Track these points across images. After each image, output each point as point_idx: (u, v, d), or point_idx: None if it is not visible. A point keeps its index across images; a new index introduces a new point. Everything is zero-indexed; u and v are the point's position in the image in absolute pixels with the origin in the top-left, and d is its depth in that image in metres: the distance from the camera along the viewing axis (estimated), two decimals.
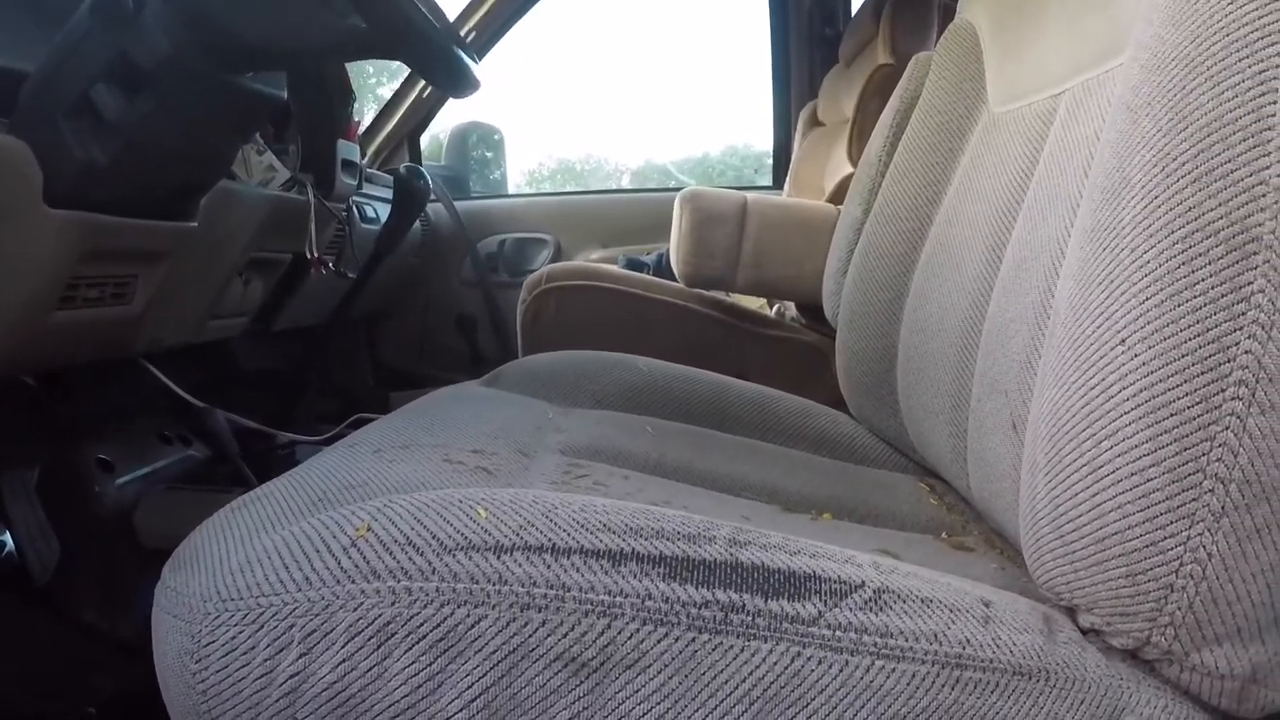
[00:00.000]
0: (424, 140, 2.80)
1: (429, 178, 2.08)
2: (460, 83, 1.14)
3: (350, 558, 0.53)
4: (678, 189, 1.98)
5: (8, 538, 1.49)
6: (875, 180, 1.32)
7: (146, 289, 1.26)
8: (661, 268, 2.30)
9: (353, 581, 0.52)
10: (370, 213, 2.06)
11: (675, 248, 1.87)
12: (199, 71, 1.04)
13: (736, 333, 1.86)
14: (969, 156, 1.11)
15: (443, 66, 1.09)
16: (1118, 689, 0.55)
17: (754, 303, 2.12)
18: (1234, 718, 0.59)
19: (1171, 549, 0.53)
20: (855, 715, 0.50)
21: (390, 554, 0.53)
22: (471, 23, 2.52)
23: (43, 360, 1.26)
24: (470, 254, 2.64)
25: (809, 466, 1.08)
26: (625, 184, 6.18)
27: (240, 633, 0.54)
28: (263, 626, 0.53)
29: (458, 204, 2.66)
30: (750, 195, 1.86)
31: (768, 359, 1.82)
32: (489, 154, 3.07)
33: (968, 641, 0.53)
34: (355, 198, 1.92)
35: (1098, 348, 0.57)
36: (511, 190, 3.31)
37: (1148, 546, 0.54)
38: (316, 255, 1.47)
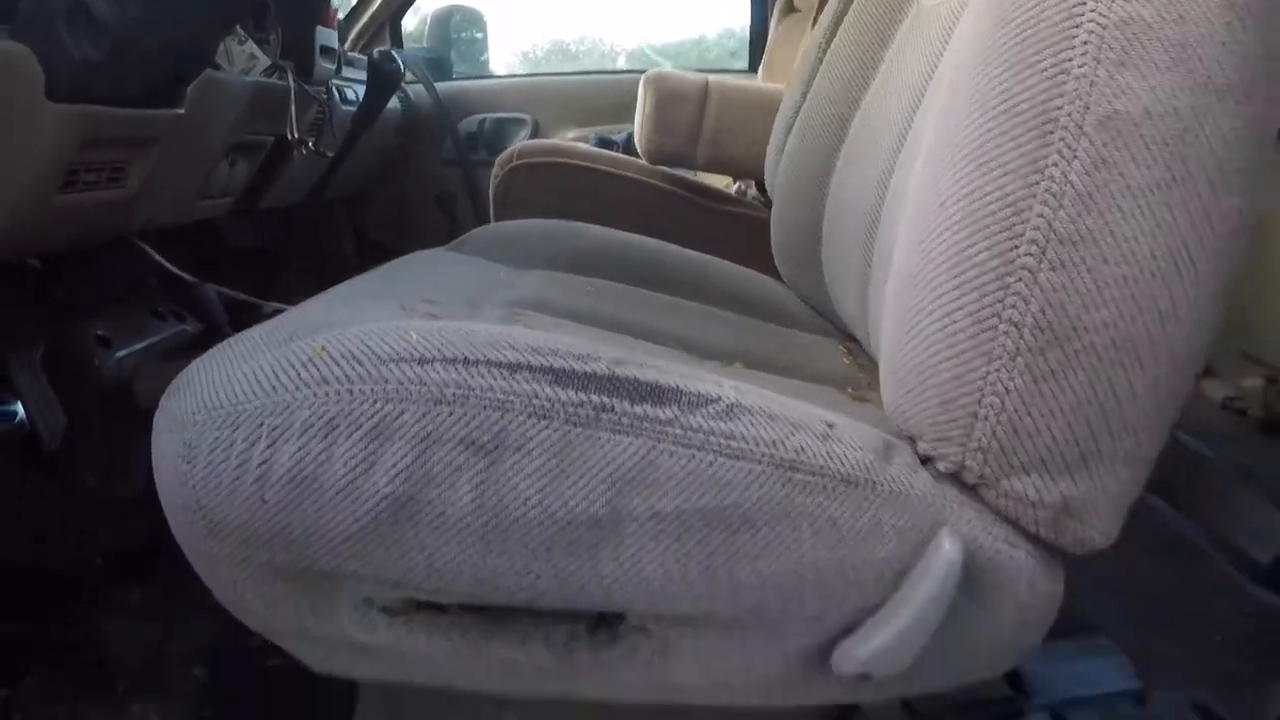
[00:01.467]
0: (413, 22, 2.90)
1: (400, 61, 2.20)
2: None
3: (307, 370, 0.69)
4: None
5: (18, 407, 1.65)
6: (814, 66, 1.44)
7: (139, 172, 1.41)
8: (630, 146, 2.41)
9: (308, 387, 0.68)
10: (350, 95, 2.17)
11: (639, 126, 2.00)
12: None
13: (696, 208, 2.00)
14: (895, 47, 1.22)
15: None
16: (941, 506, 0.69)
17: (720, 181, 2.26)
18: (1058, 549, 0.73)
19: (974, 381, 0.67)
20: (698, 499, 0.65)
21: (338, 365, 0.69)
22: None
23: (47, 242, 1.40)
24: (450, 134, 2.76)
25: (734, 325, 1.23)
26: (620, 65, 6.19)
27: (220, 433, 0.69)
28: (238, 427, 0.68)
29: (439, 85, 2.77)
30: (712, 77, 1.99)
31: (726, 234, 1.95)
32: (474, 35, 3.16)
33: (802, 449, 0.67)
34: (334, 81, 2.04)
35: (927, 212, 0.71)
36: (504, 71, 3.40)
37: (955, 379, 0.68)
38: (297, 136, 1.59)
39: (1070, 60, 0.63)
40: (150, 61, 1.26)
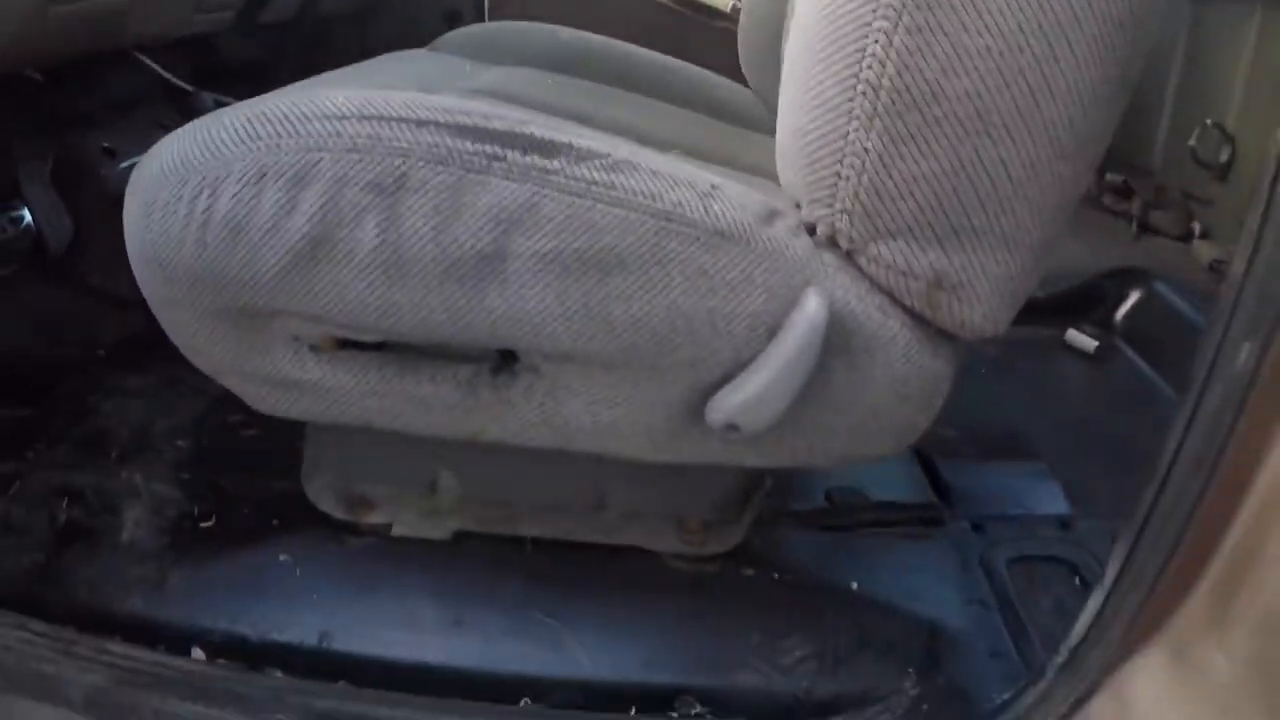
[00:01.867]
0: None
1: None
2: None
3: (244, 129, 0.77)
4: None
5: (25, 213, 1.75)
6: None
7: None
8: None
9: (243, 143, 0.76)
10: None
11: None
12: None
13: (689, 22, 2.03)
14: None
15: None
16: (814, 267, 0.76)
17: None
18: (932, 325, 0.78)
19: (835, 141, 0.72)
20: (575, 241, 0.73)
21: (269, 124, 0.76)
22: None
23: (44, 53, 1.46)
24: None
25: (686, 120, 1.28)
26: None
27: (172, 192, 0.78)
28: (186, 183, 0.77)
29: None
30: None
31: (717, 50, 1.98)
32: None
33: (680, 204, 0.74)
34: None
35: None
36: None
37: (820, 139, 0.74)
38: None
39: None
40: None
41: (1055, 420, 1.47)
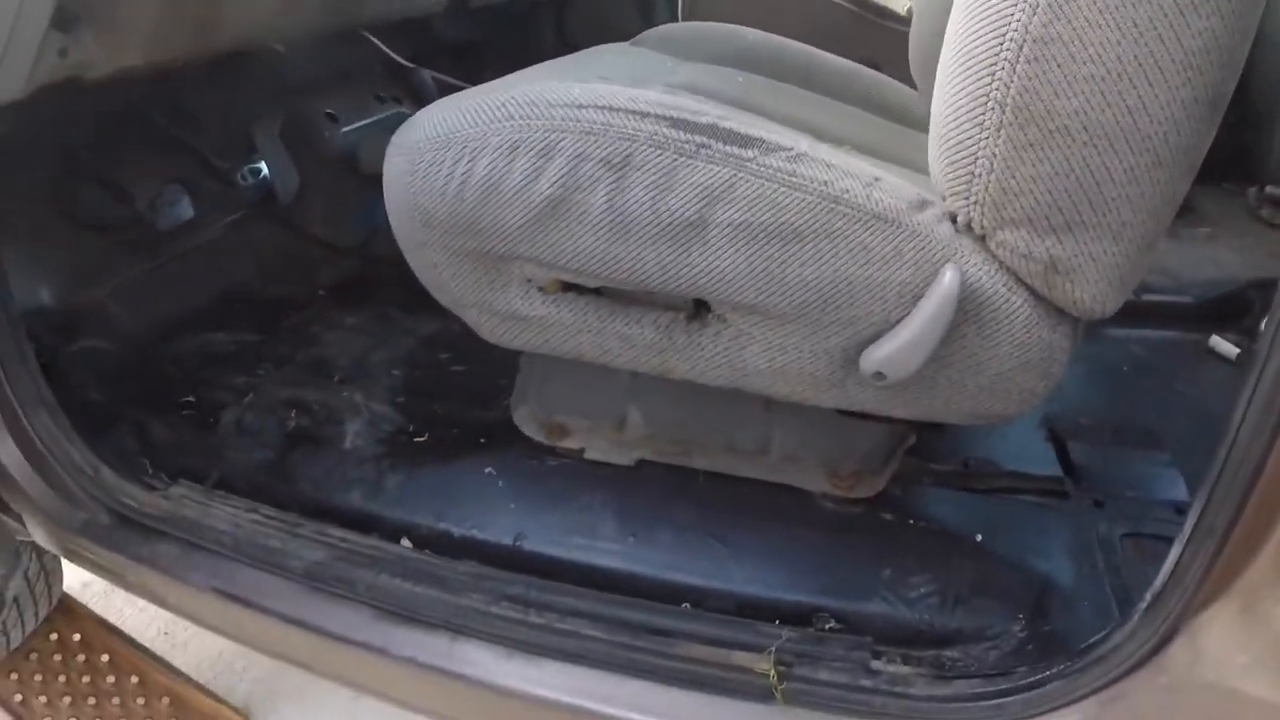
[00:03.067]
0: None
1: None
2: None
3: (501, 109, 1.00)
4: None
5: (263, 166, 2.04)
6: None
7: None
8: None
9: (499, 120, 0.99)
10: None
11: None
12: None
13: (866, 24, 2.21)
14: None
15: None
16: (954, 247, 0.94)
17: (903, 3, 2.44)
18: (1050, 303, 0.94)
19: (970, 146, 0.90)
20: (763, 215, 0.94)
21: (520, 107, 0.99)
22: None
23: (293, 27, 1.74)
24: None
25: (859, 119, 1.47)
26: None
27: (435, 154, 1.02)
28: (449, 148, 1.01)
29: None
30: None
31: (895, 51, 2.15)
32: None
33: (848, 190, 0.94)
34: None
35: (951, 17, 0.95)
36: None
37: (959, 144, 0.92)
38: None
39: None
40: None
41: (1188, 417, 1.58)
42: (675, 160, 0.94)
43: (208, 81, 1.78)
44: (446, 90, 2.14)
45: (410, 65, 2.12)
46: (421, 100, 2.16)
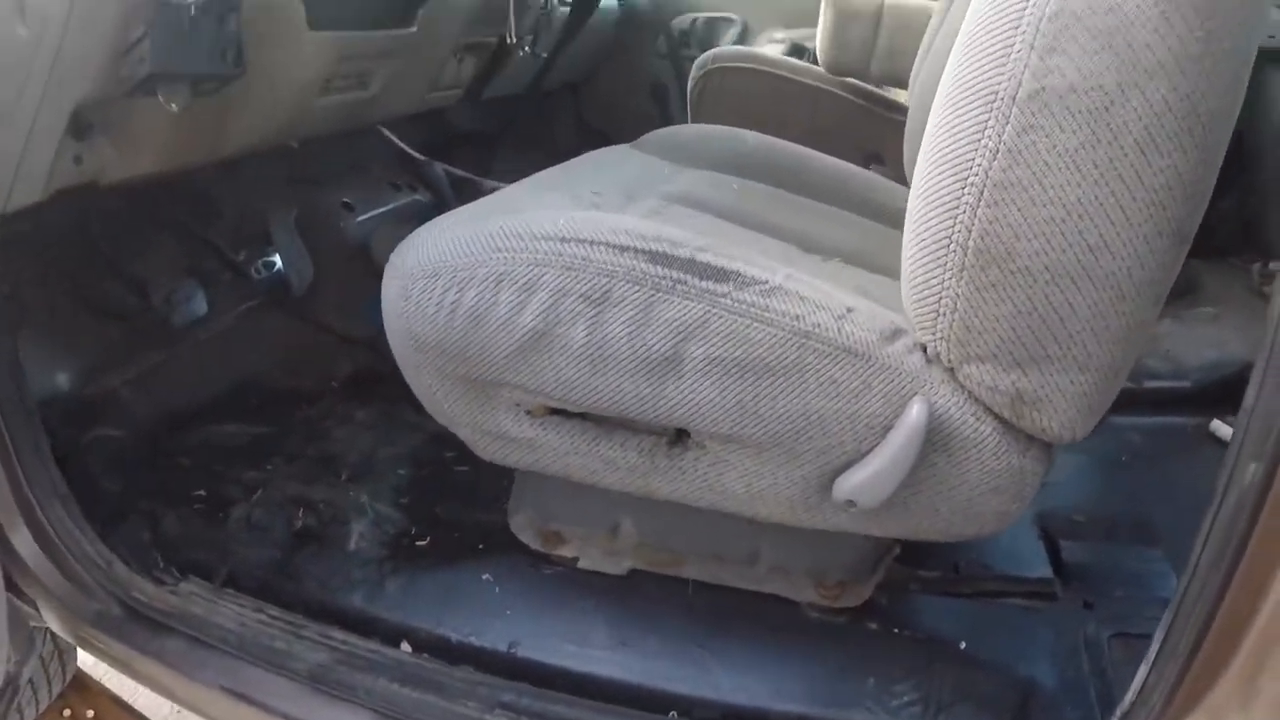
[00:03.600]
0: None
1: None
2: None
3: (488, 241, 1.05)
4: None
5: (277, 258, 2.11)
6: None
7: (381, 77, 1.81)
8: None
9: (486, 252, 1.04)
10: None
11: (819, 39, 2.28)
12: None
13: (872, 116, 2.27)
14: None
15: None
16: (923, 379, 0.98)
17: (902, 92, 2.50)
18: (1019, 430, 0.97)
19: (934, 285, 0.93)
20: (735, 350, 0.98)
21: (506, 238, 1.04)
22: None
23: (306, 131, 1.81)
24: (663, 30, 3.08)
25: (850, 225, 1.51)
26: None
27: (427, 283, 1.06)
28: (439, 277, 1.05)
29: None
30: None
31: (895, 140, 2.20)
32: None
33: (819, 325, 0.98)
34: None
35: (919, 155, 0.98)
36: None
37: (923, 283, 0.95)
38: (516, 40, 1.94)
39: (1011, 47, 0.84)
40: None
41: (1185, 507, 1.59)
42: (652, 296, 0.99)
43: (223, 175, 1.84)
44: (458, 183, 2.21)
45: (423, 159, 2.19)
46: (435, 191, 2.22)
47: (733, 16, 3.10)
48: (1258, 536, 0.85)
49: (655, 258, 1.00)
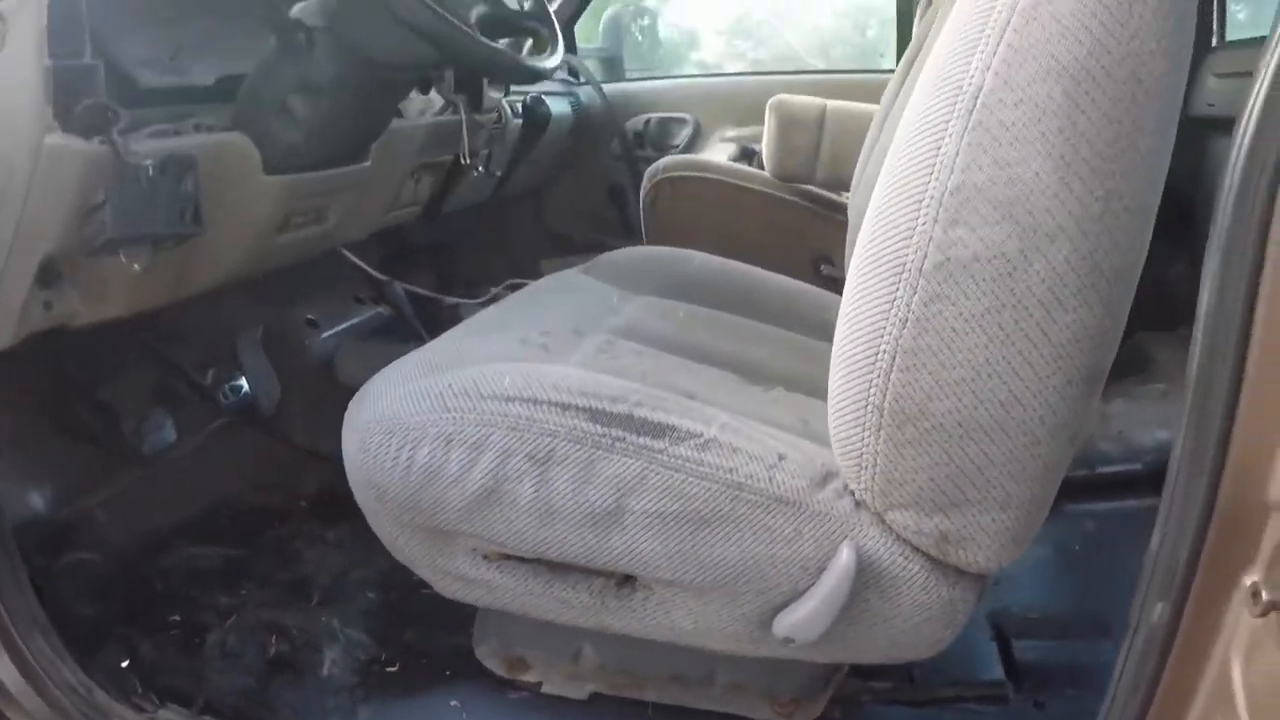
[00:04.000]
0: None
1: (549, 105, 2.65)
2: (515, 76, 1.71)
3: (438, 400, 1.11)
4: (812, 71, 2.44)
5: (243, 381, 2.16)
6: (901, 81, 1.75)
7: (337, 211, 1.88)
8: None
9: (435, 412, 1.10)
10: (518, 107, 2.60)
11: (765, 146, 2.37)
12: (357, 79, 1.62)
13: (819, 219, 2.35)
14: None
15: (495, 68, 1.71)
16: (852, 524, 1.04)
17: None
18: (947, 565, 1.03)
19: (855, 442, 1.00)
20: (673, 504, 1.04)
21: (455, 398, 1.10)
22: None
23: (268, 266, 1.88)
24: (618, 133, 3.17)
25: (796, 348, 1.58)
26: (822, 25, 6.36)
27: (383, 439, 1.12)
28: (393, 434, 1.11)
29: (611, 86, 3.20)
30: (831, 103, 2.32)
31: (842, 241, 2.28)
32: (644, 27, 3.57)
33: (751, 475, 1.04)
34: (505, 99, 2.47)
35: (837, 321, 1.04)
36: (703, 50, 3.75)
37: (845, 439, 1.01)
38: (469, 162, 2.01)
39: (917, 219, 0.90)
40: (340, 138, 1.73)
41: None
42: (593, 454, 1.05)
43: (190, 302, 1.90)
44: (419, 300, 2.28)
45: (384, 279, 2.25)
46: (396, 309, 2.29)
47: (685, 116, 3.19)
48: (1168, 675, 0.91)
49: (595, 415, 1.07)
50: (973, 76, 0.87)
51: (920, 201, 0.90)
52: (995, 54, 0.86)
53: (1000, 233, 0.88)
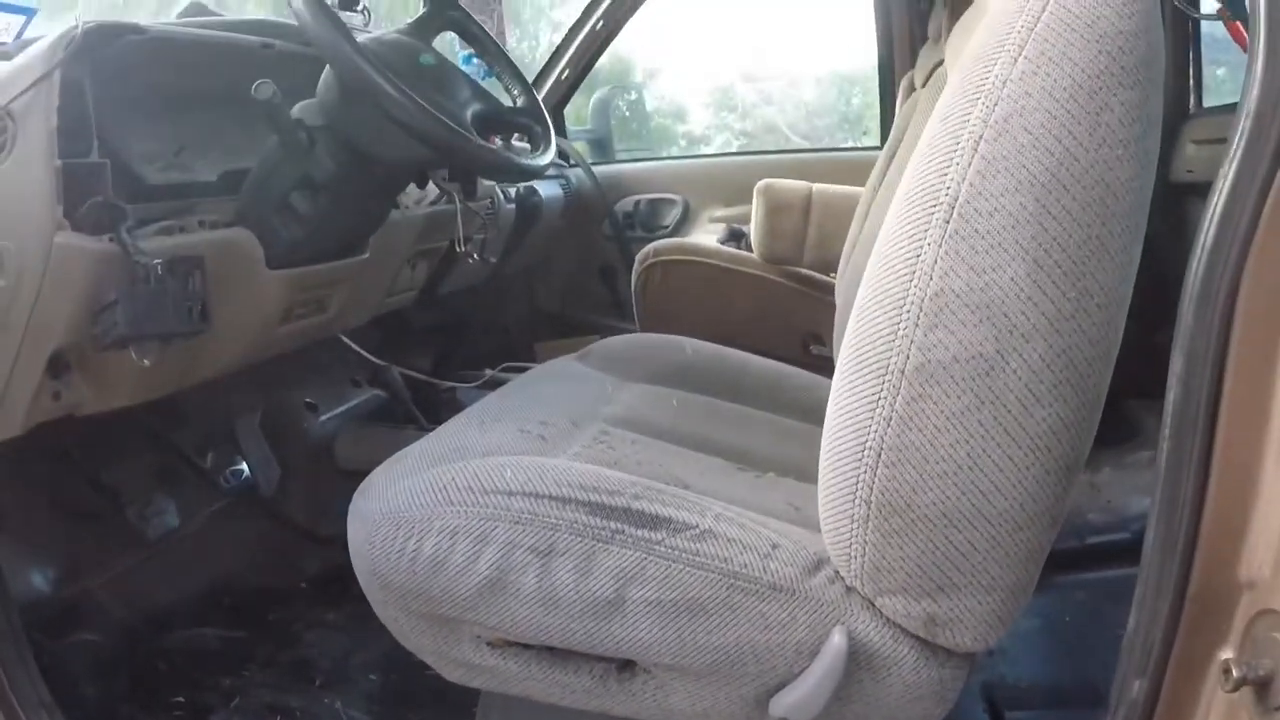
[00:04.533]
0: None
1: (540, 192, 2.75)
2: (510, 175, 1.77)
3: (442, 494, 1.15)
4: (798, 150, 2.52)
5: (244, 465, 2.21)
6: (884, 167, 1.82)
7: (337, 300, 1.94)
8: None
9: (440, 505, 1.14)
10: (511, 194, 2.68)
11: (754, 230, 2.45)
12: (356, 176, 1.69)
13: (808, 299, 2.42)
14: None
15: (490, 169, 1.76)
16: (844, 609, 1.08)
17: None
18: (936, 645, 1.07)
19: (844, 532, 1.04)
20: (671, 593, 1.08)
21: (459, 491, 1.15)
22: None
23: (270, 354, 1.94)
24: (608, 215, 3.26)
25: (786, 433, 1.63)
26: (808, 90, 6.52)
27: (388, 530, 1.17)
28: (399, 526, 1.16)
29: (601, 168, 3.29)
30: (816, 186, 2.40)
31: (830, 321, 2.34)
32: (631, 103, 3.67)
33: (746, 565, 1.09)
34: (497, 185, 2.54)
35: (825, 417, 1.09)
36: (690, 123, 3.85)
37: (834, 529, 1.06)
38: (464, 249, 2.07)
39: (899, 324, 0.94)
40: (341, 232, 1.80)
41: None
42: (593, 546, 1.10)
43: (190, 387, 1.95)
44: (416, 384, 2.33)
45: (381, 364, 2.31)
46: (393, 392, 2.34)
47: (674, 197, 3.28)
48: None
49: (595, 509, 1.12)
50: (949, 188, 0.93)
51: (901, 307, 0.95)
52: (970, 166, 0.92)
53: (978, 335, 0.92)
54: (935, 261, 0.93)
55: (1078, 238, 0.91)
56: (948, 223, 0.93)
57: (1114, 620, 1.84)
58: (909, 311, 0.95)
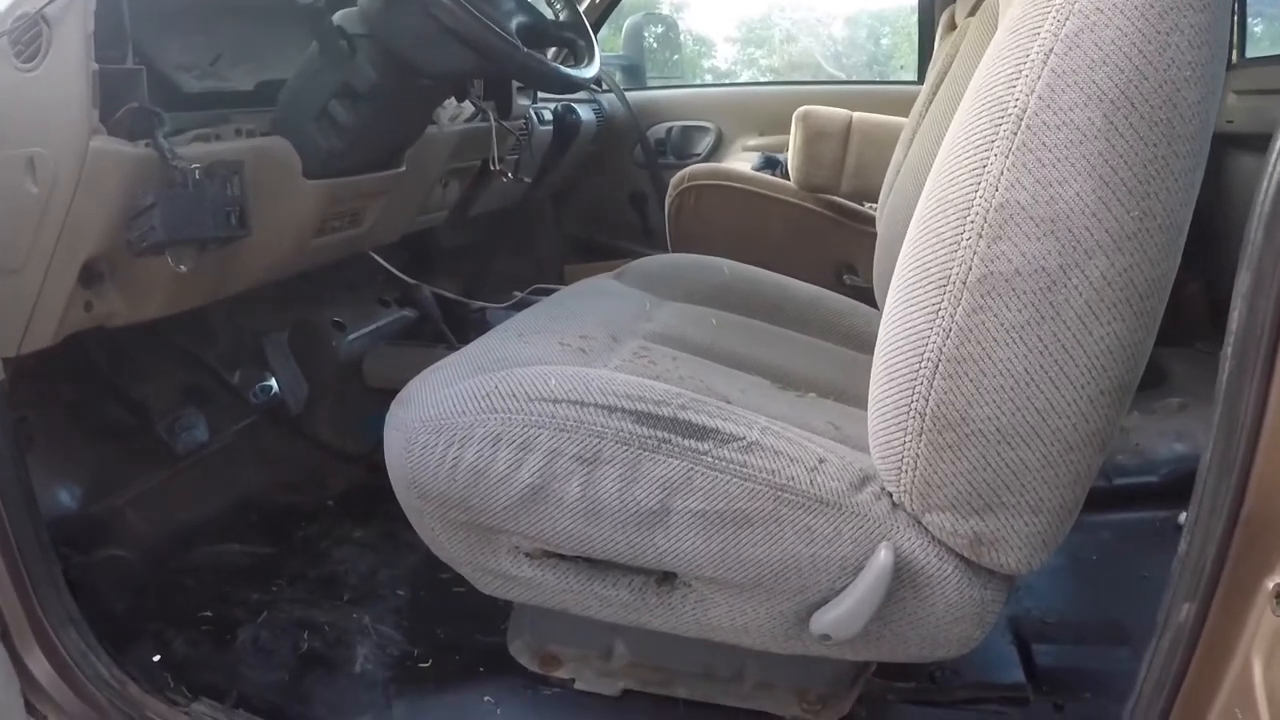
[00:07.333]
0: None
1: (578, 112, 2.72)
2: (555, 86, 1.75)
3: (484, 401, 1.15)
4: (834, 81, 2.49)
5: (273, 381, 2.21)
6: (929, 97, 1.79)
7: (371, 214, 1.94)
8: None
9: (483, 413, 1.14)
10: (546, 115, 2.66)
11: (791, 157, 2.42)
12: (396, 86, 1.67)
13: (844, 229, 2.40)
14: None
15: (537, 78, 1.72)
16: (889, 525, 1.08)
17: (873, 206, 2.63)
18: (979, 566, 1.07)
19: (896, 446, 1.04)
20: (717, 504, 1.08)
21: (503, 399, 1.14)
22: None
23: (303, 267, 1.93)
24: (640, 141, 3.23)
25: (825, 355, 1.63)
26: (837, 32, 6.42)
27: (428, 438, 1.16)
28: (440, 433, 1.16)
29: (633, 94, 3.25)
30: (856, 115, 2.37)
31: (869, 252, 2.33)
32: (661, 35, 3.63)
33: (793, 478, 1.08)
34: (532, 106, 2.52)
35: (880, 329, 1.09)
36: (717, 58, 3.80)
37: (885, 444, 1.05)
38: (498, 167, 2.06)
39: (962, 234, 0.94)
40: (378, 144, 1.79)
41: (1155, 603, 1.70)
42: (639, 455, 1.09)
43: (218, 302, 1.95)
44: (446, 303, 2.33)
45: (412, 282, 2.30)
46: (423, 311, 2.34)
47: (707, 125, 3.25)
48: (1192, 674, 0.95)
49: (641, 418, 1.11)
50: (1017, 99, 0.92)
51: (965, 217, 0.95)
52: (1040, 79, 0.91)
53: (1041, 249, 0.92)
54: (1002, 173, 0.92)
55: (1144, 156, 0.90)
56: (1015, 134, 0.92)
57: (1139, 561, 1.86)
58: (973, 222, 0.94)
